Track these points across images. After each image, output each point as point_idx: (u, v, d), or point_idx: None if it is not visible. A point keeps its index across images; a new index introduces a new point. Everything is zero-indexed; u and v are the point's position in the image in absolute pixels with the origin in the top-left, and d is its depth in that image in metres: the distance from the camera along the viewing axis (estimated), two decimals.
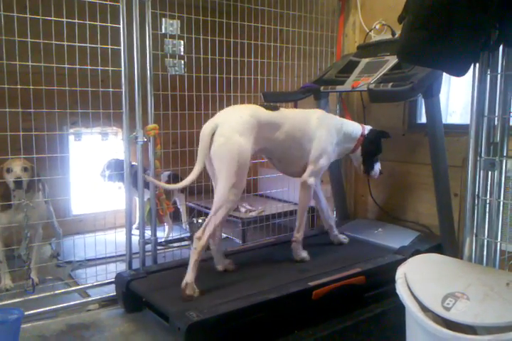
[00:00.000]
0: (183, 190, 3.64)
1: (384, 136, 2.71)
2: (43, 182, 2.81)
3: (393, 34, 2.94)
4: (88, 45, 2.44)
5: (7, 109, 2.29)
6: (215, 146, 2.14)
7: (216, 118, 2.23)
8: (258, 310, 2.01)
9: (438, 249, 2.53)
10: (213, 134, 2.15)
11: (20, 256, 2.79)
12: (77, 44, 2.43)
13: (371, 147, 2.67)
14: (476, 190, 1.72)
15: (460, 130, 2.73)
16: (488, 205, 1.72)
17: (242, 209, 3.57)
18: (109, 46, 2.48)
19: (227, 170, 2.13)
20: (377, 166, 2.75)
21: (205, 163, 2.20)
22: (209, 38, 2.79)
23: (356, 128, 2.65)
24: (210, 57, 2.82)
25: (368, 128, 2.70)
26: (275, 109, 2.38)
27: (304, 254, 2.56)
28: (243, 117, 2.19)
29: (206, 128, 2.18)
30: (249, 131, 2.19)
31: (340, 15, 3.39)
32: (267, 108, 2.33)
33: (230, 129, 2.15)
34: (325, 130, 2.49)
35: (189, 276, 2.13)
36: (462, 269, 1.64)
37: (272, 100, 2.85)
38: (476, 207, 1.73)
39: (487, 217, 1.72)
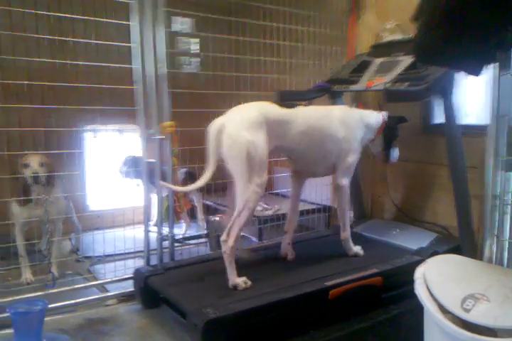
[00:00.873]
0: (200, 188, 3.66)
1: (403, 121, 2.71)
2: (60, 177, 2.85)
3: (405, 34, 2.91)
4: (105, 42, 2.47)
5: (28, 106, 2.33)
6: (224, 148, 2.11)
7: (223, 117, 2.19)
8: (274, 308, 2.01)
9: (456, 250, 2.49)
10: (221, 133, 2.12)
11: (40, 250, 2.83)
12: (93, 41, 2.46)
13: (392, 133, 2.67)
14: (497, 191, 1.70)
15: (478, 131, 2.69)
16: (509, 206, 1.70)
17: (259, 208, 3.57)
18: (126, 44, 2.50)
19: (242, 170, 2.09)
20: (396, 151, 2.74)
21: (218, 161, 2.18)
22: (221, 36, 2.80)
23: (377, 118, 2.63)
24: (221, 55, 2.83)
25: (385, 114, 2.68)
26: (290, 106, 2.32)
27: (357, 249, 2.60)
28: (250, 114, 2.15)
29: (213, 127, 2.15)
30: (258, 127, 2.13)
31: (352, 15, 3.37)
32: (280, 105, 2.28)
33: (237, 128, 2.10)
34: (347, 129, 2.46)
35: (232, 277, 2.16)
36: (482, 270, 1.63)
37: (286, 99, 2.83)
38: (496, 208, 1.71)
39: (508, 218, 1.70)
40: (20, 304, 1.75)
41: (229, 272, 2.16)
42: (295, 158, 2.47)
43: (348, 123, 2.48)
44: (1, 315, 2.14)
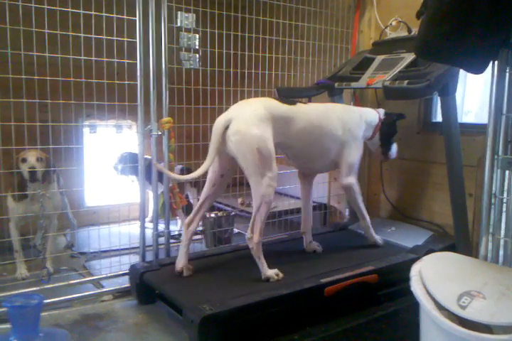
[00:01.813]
0: (195, 185, 3.66)
1: (401, 118, 2.72)
2: (57, 173, 2.83)
3: (409, 31, 2.93)
4: (104, 37, 2.45)
5: (24, 100, 2.31)
6: (233, 143, 2.11)
7: (229, 112, 2.19)
8: (270, 305, 2.02)
9: (452, 248, 2.51)
10: (227, 128, 2.12)
11: (35, 245, 2.82)
12: (93, 36, 2.43)
13: (389, 130, 2.68)
14: (493, 189, 1.71)
15: (476, 129, 2.72)
16: (504, 204, 1.71)
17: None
18: (125, 39, 2.48)
19: (254, 166, 2.11)
20: (395, 147, 2.76)
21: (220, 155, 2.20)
22: (224, 32, 2.79)
23: (374, 116, 2.65)
24: (224, 51, 2.82)
25: (382, 112, 2.70)
26: (291, 103, 2.33)
27: (377, 238, 2.72)
28: (257, 110, 2.15)
29: (219, 122, 2.15)
30: (265, 122, 2.14)
31: (355, 12, 3.36)
32: (282, 101, 2.28)
33: (245, 123, 2.11)
34: (348, 126, 2.48)
35: (264, 270, 2.20)
36: (478, 268, 1.64)
37: (286, 95, 2.83)
38: (492, 206, 1.72)
39: (504, 216, 1.71)
40: (17, 298, 1.74)
41: (260, 266, 2.20)
42: (293, 154, 2.47)
43: (348, 121, 2.49)
44: None
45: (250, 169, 2.13)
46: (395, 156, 2.78)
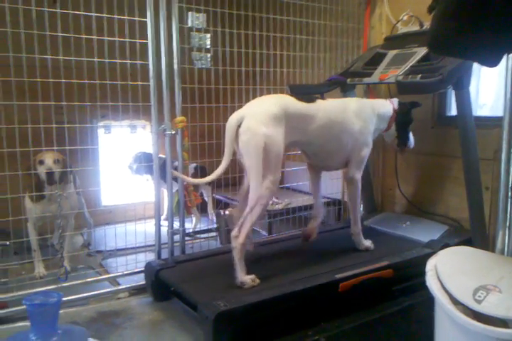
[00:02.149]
0: (209, 183, 3.68)
1: (415, 106, 2.66)
2: (73, 173, 2.88)
3: (421, 26, 2.89)
4: (117, 39, 2.48)
5: (40, 103, 2.35)
6: (242, 141, 2.07)
7: (243, 109, 2.15)
8: (285, 301, 2.02)
9: (468, 243, 2.47)
10: (239, 126, 2.08)
11: (53, 245, 2.87)
12: (106, 38, 2.46)
13: (404, 120, 2.64)
14: (510, 182, 1.69)
15: (491, 122, 2.67)
16: None
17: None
18: (137, 40, 2.51)
19: (257, 165, 2.04)
20: (411, 136, 2.71)
21: (235, 154, 2.16)
22: (235, 31, 2.80)
23: (388, 107, 2.60)
24: (236, 50, 2.83)
25: (395, 102, 2.65)
26: (310, 100, 2.27)
27: (368, 243, 2.60)
28: (270, 108, 2.10)
29: (232, 120, 2.11)
30: (277, 122, 2.09)
31: (366, 7, 3.35)
32: (299, 99, 2.23)
33: (256, 122, 2.06)
34: (362, 121, 2.45)
35: (240, 274, 2.12)
36: (494, 262, 1.62)
37: (298, 92, 2.82)
38: (509, 200, 1.70)
39: None
40: (36, 296, 1.76)
41: (237, 269, 2.12)
42: (312, 151, 2.45)
43: (362, 115, 2.47)
44: (17, 308, 2.19)
45: (253, 168, 2.06)
46: (412, 146, 2.73)
